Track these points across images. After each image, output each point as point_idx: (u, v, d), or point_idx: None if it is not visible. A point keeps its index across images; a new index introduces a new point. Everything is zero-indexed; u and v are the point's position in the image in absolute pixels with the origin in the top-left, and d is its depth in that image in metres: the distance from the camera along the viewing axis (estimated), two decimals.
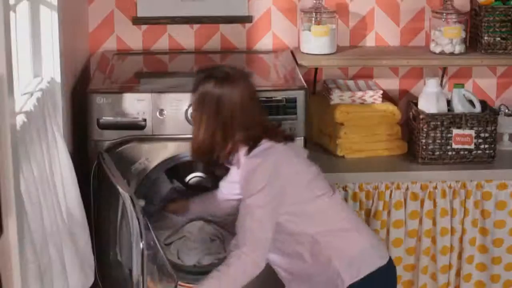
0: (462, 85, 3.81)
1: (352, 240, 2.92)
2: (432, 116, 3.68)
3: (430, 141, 3.67)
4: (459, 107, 3.74)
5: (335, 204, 2.96)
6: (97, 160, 3.22)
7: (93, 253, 3.04)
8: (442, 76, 4.06)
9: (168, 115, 3.28)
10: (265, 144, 2.90)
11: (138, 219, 2.84)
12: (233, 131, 2.89)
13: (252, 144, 2.90)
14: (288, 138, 3.00)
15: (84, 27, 3.89)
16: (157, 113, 3.28)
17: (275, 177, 2.86)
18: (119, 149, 3.28)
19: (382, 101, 3.81)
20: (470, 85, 4.12)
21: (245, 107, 2.90)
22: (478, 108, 3.74)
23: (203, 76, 2.94)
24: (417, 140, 3.72)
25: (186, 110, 3.28)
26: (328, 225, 2.92)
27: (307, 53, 3.85)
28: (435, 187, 3.59)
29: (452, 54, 3.85)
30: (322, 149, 3.84)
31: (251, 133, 2.90)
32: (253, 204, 2.85)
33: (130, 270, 2.91)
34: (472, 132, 3.68)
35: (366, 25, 4.05)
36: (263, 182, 2.84)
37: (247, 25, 4.02)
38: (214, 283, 2.85)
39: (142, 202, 3.17)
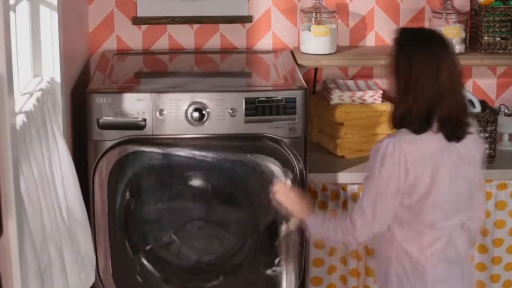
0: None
1: (423, 275, 2.77)
2: None
3: None
4: None
5: (447, 240, 2.77)
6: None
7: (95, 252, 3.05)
8: None
9: (168, 115, 3.28)
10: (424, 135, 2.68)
11: None
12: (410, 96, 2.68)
13: (407, 122, 2.69)
14: (456, 137, 2.72)
15: (84, 27, 3.89)
16: (157, 113, 3.28)
17: (418, 174, 2.67)
18: (119, 149, 3.29)
19: (382, 101, 3.81)
20: (470, 85, 4.12)
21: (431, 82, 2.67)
22: (478, 108, 3.74)
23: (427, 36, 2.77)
24: None
25: (186, 110, 3.29)
26: (419, 252, 2.77)
27: (307, 53, 3.85)
28: None
29: None
30: (322, 149, 3.84)
31: (418, 112, 2.67)
32: (366, 189, 2.76)
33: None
34: None
35: (366, 25, 4.05)
36: (384, 170, 2.68)
37: (247, 25, 4.02)
38: (313, 220, 2.91)
39: None
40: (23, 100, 2.60)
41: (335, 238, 2.86)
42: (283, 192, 3.07)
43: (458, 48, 3.84)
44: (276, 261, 3.42)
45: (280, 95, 3.33)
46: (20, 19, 2.84)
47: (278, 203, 3.08)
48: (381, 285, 2.89)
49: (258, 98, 3.31)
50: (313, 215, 2.96)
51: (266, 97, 3.32)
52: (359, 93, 3.79)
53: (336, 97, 3.78)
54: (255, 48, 4.04)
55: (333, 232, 2.84)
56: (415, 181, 2.69)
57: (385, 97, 3.91)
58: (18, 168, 2.22)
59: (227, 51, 4.03)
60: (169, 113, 3.28)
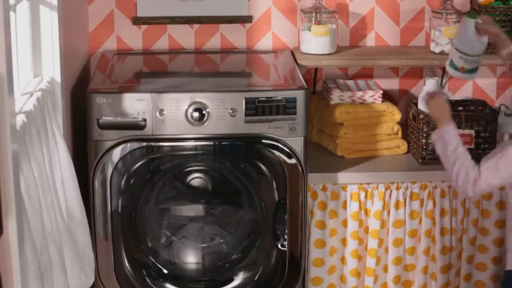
0: (477, 14, 3.40)
1: None
2: None
3: (430, 141, 3.67)
4: (469, 45, 3.24)
5: None
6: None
7: (95, 252, 3.05)
8: (442, 76, 4.06)
9: (168, 115, 3.29)
10: None
11: None
12: None
13: None
14: None
15: (84, 27, 3.89)
16: (157, 113, 3.28)
17: None
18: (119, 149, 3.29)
19: (382, 101, 3.81)
20: (470, 85, 4.12)
21: None
22: (484, 43, 3.27)
23: None
24: (417, 140, 3.72)
25: (186, 110, 3.29)
26: None
27: (307, 53, 3.85)
28: (435, 187, 3.60)
29: None
30: (322, 149, 3.84)
31: None
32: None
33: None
34: (472, 132, 3.68)
35: (366, 25, 4.06)
36: None
37: (247, 25, 4.02)
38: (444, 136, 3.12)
39: None
40: (23, 100, 2.60)
41: (451, 172, 3.04)
42: (436, 99, 3.25)
43: None
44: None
45: (280, 95, 3.33)
46: (20, 19, 2.83)
47: (427, 106, 3.30)
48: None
49: (258, 98, 3.31)
50: (449, 131, 3.12)
51: (266, 97, 3.32)
52: (359, 93, 3.79)
53: (336, 97, 3.78)
54: (255, 48, 4.04)
55: (456, 168, 3.02)
56: None
57: (385, 97, 3.92)
58: (18, 168, 2.22)
59: (227, 51, 4.03)
60: (169, 113, 3.28)
